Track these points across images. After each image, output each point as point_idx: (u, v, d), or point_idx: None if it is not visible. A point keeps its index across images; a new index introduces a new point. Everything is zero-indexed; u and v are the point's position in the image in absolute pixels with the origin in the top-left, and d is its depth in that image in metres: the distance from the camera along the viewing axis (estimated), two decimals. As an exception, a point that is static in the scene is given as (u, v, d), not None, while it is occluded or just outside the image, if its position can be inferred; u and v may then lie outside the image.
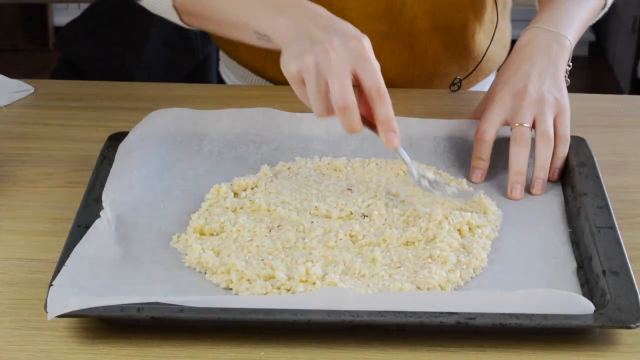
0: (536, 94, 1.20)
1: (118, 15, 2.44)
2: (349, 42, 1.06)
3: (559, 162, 1.19)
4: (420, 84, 1.47)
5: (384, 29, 1.41)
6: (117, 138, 1.23)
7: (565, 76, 1.26)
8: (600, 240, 1.05)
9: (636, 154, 1.29)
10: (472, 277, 1.03)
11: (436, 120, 1.27)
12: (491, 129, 1.20)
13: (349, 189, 1.15)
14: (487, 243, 1.07)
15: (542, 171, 1.17)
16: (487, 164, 1.20)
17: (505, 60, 1.29)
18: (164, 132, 1.24)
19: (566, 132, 1.20)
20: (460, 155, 1.23)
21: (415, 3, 1.39)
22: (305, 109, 1.25)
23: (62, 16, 3.71)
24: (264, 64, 1.47)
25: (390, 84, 1.43)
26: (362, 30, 1.08)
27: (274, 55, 1.14)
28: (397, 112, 1.27)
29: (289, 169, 1.21)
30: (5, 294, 1.02)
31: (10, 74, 1.46)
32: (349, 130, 1.07)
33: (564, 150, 1.19)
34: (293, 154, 1.23)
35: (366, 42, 1.08)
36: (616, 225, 1.07)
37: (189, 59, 2.45)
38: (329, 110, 1.07)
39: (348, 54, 1.06)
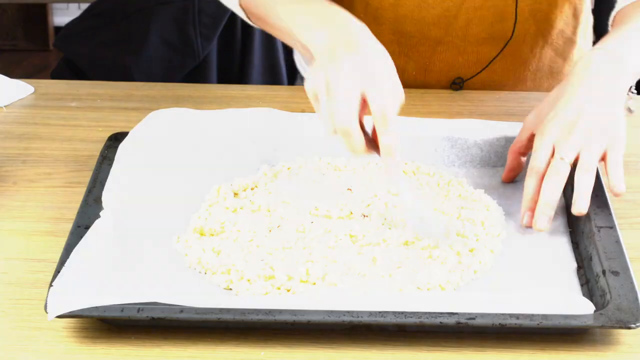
0: (586, 126, 1.09)
1: (118, 15, 2.43)
2: (363, 62, 1.04)
3: (617, 183, 1.08)
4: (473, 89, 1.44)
5: (439, 34, 1.39)
6: (117, 138, 1.23)
7: (626, 102, 1.16)
8: (600, 240, 1.05)
9: (636, 154, 1.29)
10: (472, 278, 1.03)
11: (436, 120, 1.27)
12: (543, 167, 1.10)
13: (349, 189, 1.15)
14: (496, 243, 1.07)
15: (581, 200, 1.07)
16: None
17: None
18: (164, 132, 1.24)
19: (618, 158, 1.09)
20: (460, 155, 1.23)
21: (470, 10, 1.37)
22: (305, 109, 1.25)
23: (62, 16, 3.71)
24: None
25: (443, 87, 1.43)
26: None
27: None
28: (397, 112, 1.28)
29: (289, 169, 1.21)
30: (5, 294, 1.02)
31: (10, 74, 1.46)
32: (351, 152, 1.06)
33: (616, 173, 1.08)
34: (293, 154, 1.23)
35: (380, 63, 1.05)
36: (616, 225, 1.07)
37: (189, 59, 2.44)
38: (336, 131, 1.05)
39: (358, 74, 1.03)
